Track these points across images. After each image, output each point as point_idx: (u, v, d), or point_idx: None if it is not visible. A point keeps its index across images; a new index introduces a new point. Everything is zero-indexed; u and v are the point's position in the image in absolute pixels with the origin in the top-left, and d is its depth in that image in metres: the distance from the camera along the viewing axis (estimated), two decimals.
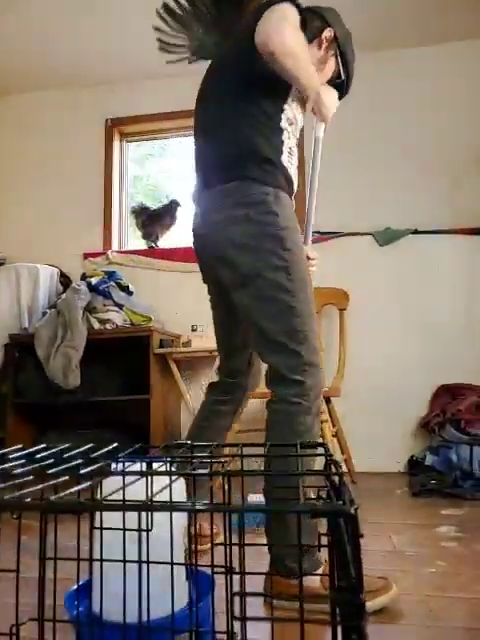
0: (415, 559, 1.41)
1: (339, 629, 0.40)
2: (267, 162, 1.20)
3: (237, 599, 0.54)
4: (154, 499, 0.52)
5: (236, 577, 0.63)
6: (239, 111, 1.21)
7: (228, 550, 0.60)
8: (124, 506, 0.45)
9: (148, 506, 0.42)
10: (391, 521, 1.31)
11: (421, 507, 2.00)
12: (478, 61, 2.87)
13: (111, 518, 0.66)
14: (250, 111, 1.21)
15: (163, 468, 0.67)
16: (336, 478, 0.44)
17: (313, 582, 1.08)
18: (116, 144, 3.40)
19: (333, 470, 0.48)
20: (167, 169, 3.83)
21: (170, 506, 0.45)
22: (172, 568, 0.57)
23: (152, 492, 0.51)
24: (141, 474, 0.57)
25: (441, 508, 1.93)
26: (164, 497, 0.65)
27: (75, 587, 0.77)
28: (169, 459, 0.68)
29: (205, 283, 1.43)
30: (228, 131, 1.22)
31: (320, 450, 0.62)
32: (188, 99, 3.27)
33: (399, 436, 2.68)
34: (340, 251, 2.86)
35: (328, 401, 2.35)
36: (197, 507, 0.40)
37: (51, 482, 0.51)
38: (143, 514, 0.58)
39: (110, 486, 0.58)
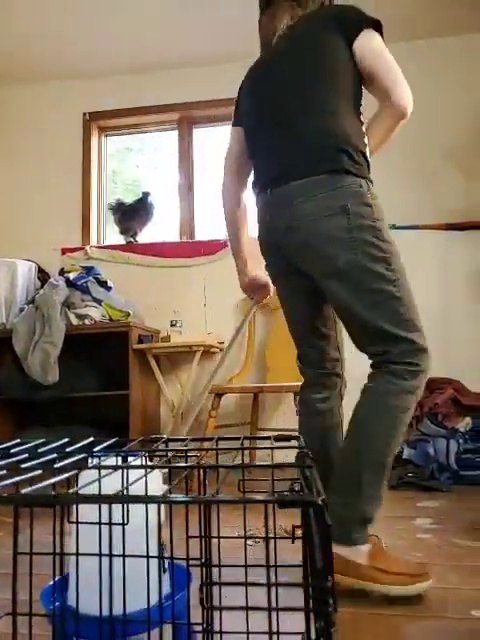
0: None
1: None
2: (360, 154, 1.21)
3: (223, 591, 0.54)
4: (129, 492, 0.52)
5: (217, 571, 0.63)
6: (334, 104, 1.22)
7: (204, 542, 0.61)
8: (99, 498, 0.45)
9: (121, 498, 0.42)
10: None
11: (398, 500, 2.03)
12: (455, 58, 2.92)
13: (89, 512, 0.66)
14: (343, 104, 1.23)
15: (139, 462, 0.67)
16: (308, 470, 0.44)
17: (360, 556, 1.12)
18: (94, 138, 3.36)
19: (306, 462, 0.48)
20: (147, 163, 3.80)
21: (145, 498, 0.45)
22: (148, 561, 0.57)
23: (127, 485, 0.51)
24: (116, 467, 0.57)
25: (418, 500, 1.97)
26: (140, 490, 0.65)
27: (51, 582, 0.77)
28: (144, 452, 0.68)
29: (277, 276, 1.39)
30: (318, 122, 1.21)
31: (294, 441, 0.62)
32: (167, 94, 3.27)
33: None
34: None
35: None
36: (170, 498, 0.40)
37: (25, 476, 0.50)
38: (118, 507, 0.58)
39: (86, 480, 0.58)
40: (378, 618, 1.06)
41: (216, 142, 3.48)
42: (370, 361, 1.24)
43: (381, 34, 1.26)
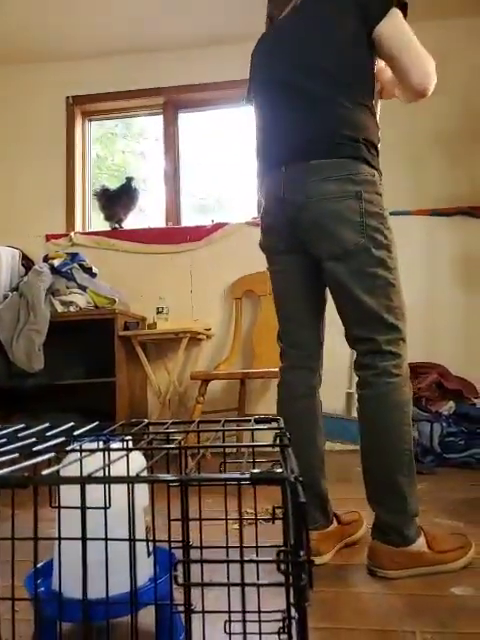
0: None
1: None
2: (374, 146, 1.26)
3: (207, 573, 0.55)
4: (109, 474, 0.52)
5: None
6: (352, 92, 1.24)
7: (185, 525, 0.61)
8: (77, 479, 0.45)
9: (100, 479, 0.42)
10: (356, 496, 1.37)
11: None
12: (441, 45, 2.89)
13: (72, 497, 0.66)
14: (362, 94, 1.26)
15: (120, 445, 0.67)
16: (285, 450, 0.45)
17: (422, 547, 1.19)
18: (78, 123, 3.31)
19: (283, 442, 0.49)
20: (132, 149, 3.75)
21: (123, 478, 0.45)
22: (131, 544, 0.57)
23: (107, 465, 0.51)
24: (96, 450, 0.57)
25: None
26: (122, 473, 0.65)
27: (34, 568, 0.77)
28: (126, 436, 0.68)
29: (277, 253, 1.35)
30: (338, 108, 1.22)
31: (274, 423, 0.63)
32: (152, 77, 3.22)
33: None
34: None
35: None
36: (145, 477, 0.40)
37: (3, 458, 0.50)
38: (99, 490, 0.58)
39: (65, 463, 0.58)
40: (359, 596, 1.08)
41: (202, 126, 3.45)
42: (354, 351, 1.27)
43: (405, 12, 1.23)
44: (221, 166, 3.40)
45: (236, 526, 1.27)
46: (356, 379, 1.28)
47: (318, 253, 1.25)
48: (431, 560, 1.18)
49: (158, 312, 2.73)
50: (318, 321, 1.38)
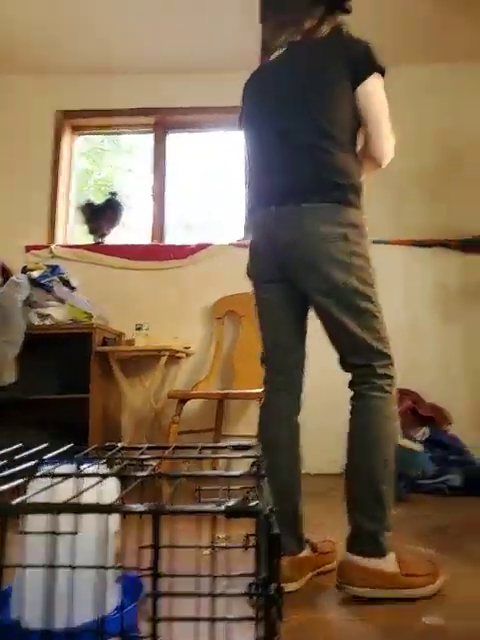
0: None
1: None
2: (360, 191, 1.36)
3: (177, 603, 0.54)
4: (81, 501, 0.51)
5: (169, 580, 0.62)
6: (339, 140, 1.33)
7: (156, 553, 0.60)
8: (47, 507, 0.44)
9: (70, 507, 0.41)
10: (332, 522, 1.36)
11: None
12: (424, 87, 3.00)
13: (41, 522, 0.64)
14: (348, 142, 1.35)
15: (93, 470, 0.65)
16: (260, 480, 0.45)
17: (392, 565, 1.20)
18: (66, 136, 3.31)
19: (259, 471, 0.48)
20: (120, 164, 3.77)
21: (95, 507, 0.44)
22: (99, 572, 0.56)
23: (79, 493, 0.50)
24: (68, 475, 0.55)
25: None
26: (93, 499, 0.64)
27: None
28: (101, 460, 0.67)
29: (266, 282, 1.41)
30: (328, 156, 1.31)
31: (251, 450, 0.63)
32: (144, 97, 3.25)
33: (339, 439, 2.75)
34: None
35: None
36: (118, 507, 0.39)
37: None
38: (69, 515, 0.57)
39: (36, 488, 0.57)
40: (328, 624, 1.07)
41: (191, 146, 3.48)
42: (350, 374, 1.35)
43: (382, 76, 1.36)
44: (208, 187, 3.43)
45: (206, 552, 1.26)
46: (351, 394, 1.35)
47: (306, 288, 1.34)
48: (401, 583, 1.18)
49: (137, 329, 2.70)
50: (301, 348, 1.44)
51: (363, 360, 1.32)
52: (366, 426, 1.30)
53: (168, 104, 3.23)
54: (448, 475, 2.30)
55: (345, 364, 1.36)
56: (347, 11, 1.43)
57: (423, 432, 2.44)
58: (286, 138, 1.34)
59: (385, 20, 2.59)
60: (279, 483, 1.28)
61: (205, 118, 3.30)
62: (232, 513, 0.34)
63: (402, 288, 2.89)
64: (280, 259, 1.34)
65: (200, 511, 0.37)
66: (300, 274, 1.33)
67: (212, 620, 0.40)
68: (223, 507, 0.35)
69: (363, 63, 1.33)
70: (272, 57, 1.45)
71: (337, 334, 1.34)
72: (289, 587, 1.22)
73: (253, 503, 0.35)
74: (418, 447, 2.39)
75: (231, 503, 0.35)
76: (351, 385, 1.36)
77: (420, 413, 2.52)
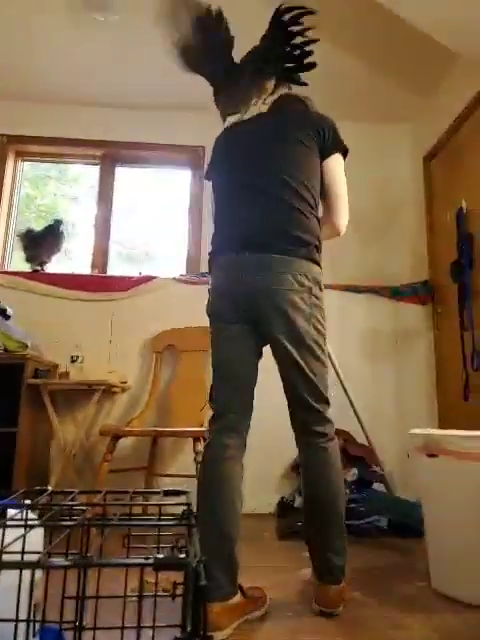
0: (275, 603, 1.46)
1: None
2: (320, 251, 1.52)
3: None
4: (6, 550, 0.50)
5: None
6: (308, 203, 1.48)
7: (80, 605, 0.59)
8: None
9: None
10: (258, 565, 1.36)
11: (285, 549, 2.07)
12: (364, 142, 3.24)
13: None
14: (314, 205, 1.50)
15: (20, 516, 0.64)
16: (191, 529, 0.46)
17: (347, 588, 1.46)
18: (10, 161, 3.25)
19: (190, 520, 0.50)
20: (65, 192, 3.73)
21: (17, 564, 0.43)
22: (16, 625, 0.54)
23: (2, 544, 0.49)
24: None
25: (304, 550, 2.01)
26: (16, 547, 0.62)
27: None
28: (27, 506, 0.65)
29: (228, 322, 1.46)
30: (298, 215, 1.45)
31: (183, 497, 0.64)
32: (93, 129, 3.27)
33: (271, 478, 2.77)
34: None
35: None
36: (44, 563, 0.39)
37: None
38: None
39: None
40: None
41: (138, 180, 3.52)
42: (302, 420, 1.46)
43: (345, 157, 1.58)
44: (152, 220, 3.46)
45: (133, 598, 1.22)
46: (303, 439, 1.46)
47: (271, 331, 1.43)
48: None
49: (72, 361, 2.64)
50: (252, 390, 1.49)
51: (320, 405, 1.45)
52: (328, 472, 1.42)
53: (116, 138, 3.27)
54: (376, 516, 2.36)
55: (300, 405, 1.45)
56: (304, 84, 1.64)
57: (353, 473, 2.50)
58: (258, 194, 1.47)
59: (320, 78, 2.81)
60: (218, 524, 1.31)
61: (154, 155, 3.36)
62: (160, 566, 0.36)
63: (336, 330, 3.01)
64: (247, 302, 1.42)
65: (128, 564, 0.38)
66: (267, 317, 1.42)
67: None
68: (152, 560, 0.36)
69: (331, 140, 1.53)
70: (240, 119, 1.60)
71: (295, 376, 1.44)
72: (218, 635, 1.21)
73: (181, 556, 0.36)
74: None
75: (160, 556, 0.37)
76: (306, 433, 1.45)
77: (350, 453, 2.60)
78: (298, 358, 1.42)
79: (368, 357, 3.04)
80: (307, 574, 1.55)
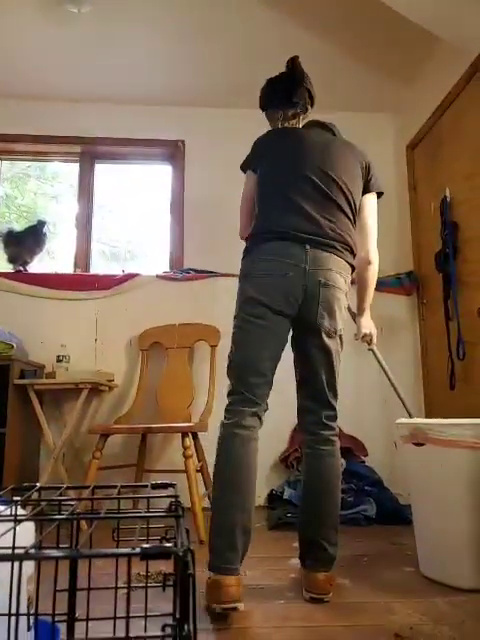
0: (266, 592, 1.48)
1: None
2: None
3: None
4: None
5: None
6: (354, 221, 1.64)
7: (72, 598, 0.59)
8: None
9: None
10: (249, 555, 1.38)
11: (275, 540, 2.10)
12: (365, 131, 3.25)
13: None
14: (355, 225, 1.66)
15: (8, 512, 0.64)
16: (178, 520, 0.47)
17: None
18: None
19: (177, 511, 0.51)
20: (45, 191, 3.69)
21: (13, 556, 0.44)
22: (9, 619, 0.55)
23: None
24: None
25: (294, 541, 2.03)
26: (7, 542, 0.63)
27: None
28: (17, 502, 0.66)
29: (272, 313, 1.49)
30: (351, 226, 1.61)
31: (170, 489, 0.65)
32: (71, 125, 3.24)
33: (260, 471, 2.78)
34: (213, 290, 2.99)
35: (195, 436, 2.38)
36: (33, 554, 0.40)
37: None
38: None
39: None
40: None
41: (118, 176, 3.50)
42: (315, 414, 1.55)
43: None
44: (134, 217, 3.45)
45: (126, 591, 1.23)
46: (311, 437, 1.56)
47: (315, 324, 1.51)
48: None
49: (58, 360, 2.63)
50: (272, 380, 1.55)
51: (333, 399, 1.56)
52: (331, 469, 1.52)
53: (95, 134, 3.25)
54: (364, 505, 2.39)
55: (319, 400, 1.55)
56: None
57: (341, 464, 2.53)
58: (331, 201, 1.57)
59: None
60: (238, 499, 1.38)
61: (133, 151, 3.35)
62: (147, 555, 0.36)
63: None
64: (306, 292, 1.48)
65: (117, 554, 0.38)
66: (319, 311, 1.50)
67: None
68: (138, 549, 0.37)
69: (374, 179, 1.70)
70: (288, 126, 1.73)
71: (324, 372, 1.54)
72: (240, 607, 1.28)
73: (168, 544, 0.37)
74: None
75: (147, 545, 0.38)
76: (320, 428, 1.54)
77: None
78: (333, 354, 1.53)
79: (353, 348, 3.05)
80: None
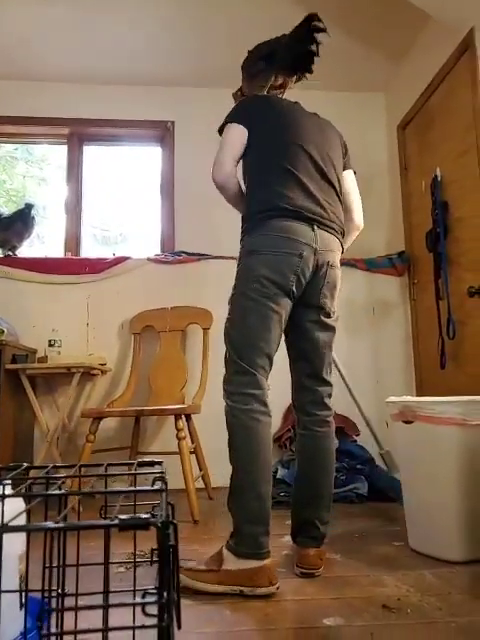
0: None
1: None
2: None
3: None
4: None
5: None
6: (340, 198, 1.64)
7: (62, 573, 0.61)
8: None
9: None
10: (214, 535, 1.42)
11: None
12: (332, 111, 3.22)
13: None
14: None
15: None
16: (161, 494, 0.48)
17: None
18: None
19: (161, 486, 0.52)
20: (33, 174, 3.65)
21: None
22: (0, 595, 0.56)
23: None
24: None
25: (286, 519, 2.06)
26: None
27: None
28: (5, 480, 0.67)
29: (284, 294, 1.46)
30: (341, 205, 1.63)
31: (157, 467, 0.66)
32: (58, 107, 3.19)
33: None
34: (205, 272, 2.98)
35: (188, 418, 2.40)
36: (12, 527, 0.41)
37: None
38: None
39: None
40: (228, 636, 1.11)
41: (108, 159, 3.46)
42: (312, 391, 1.57)
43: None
44: (125, 200, 3.42)
45: (121, 569, 1.25)
46: (308, 418, 1.57)
47: (323, 304, 1.54)
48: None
49: (50, 345, 2.63)
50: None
51: (326, 377, 1.59)
52: (329, 449, 1.56)
53: (82, 115, 3.20)
54: (356, 483, 2.43)
55: (317, 378, 1.57)
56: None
57: (335, 444, 2.56)
58: (329, 183, 1.58)
59: None
60: (267, 489, 1.40)
61: (122, 132, 3.30)
62: (124, 526, 0.37)
63: None
64: (314, 272, 1.49)
65: (94, 526, 0.39)
66: (322, 291, 1.52)
67: (104, 631, 0.42)
68: (117, 520, 0.38)
69: (349, 157, 1.75)
70: (275, 95, 1.72)
71: (323, 353, 1.58)
72: (272, 589, 1.31)
73: (145, 515, 0.38)
74: None
75: (124, 517, 0.38)
76: (317, 408, 1.56)
77: None
78: (331, 333, 1.58)
79: (345, 329, 3.07)
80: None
